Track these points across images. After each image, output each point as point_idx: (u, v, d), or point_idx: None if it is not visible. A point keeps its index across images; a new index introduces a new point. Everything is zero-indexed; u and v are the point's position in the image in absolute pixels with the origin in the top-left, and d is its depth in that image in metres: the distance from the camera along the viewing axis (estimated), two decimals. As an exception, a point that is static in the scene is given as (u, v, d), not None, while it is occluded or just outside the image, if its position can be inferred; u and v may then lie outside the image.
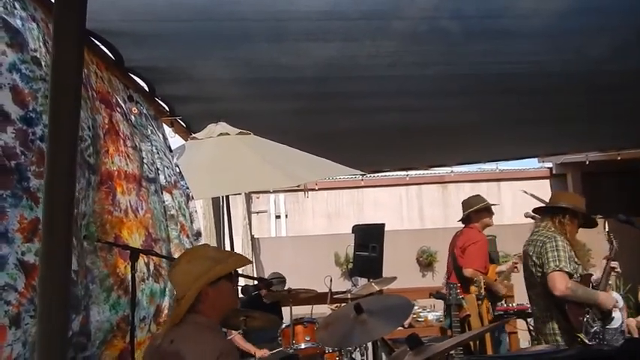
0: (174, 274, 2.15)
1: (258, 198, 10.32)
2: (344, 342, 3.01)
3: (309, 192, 9.26)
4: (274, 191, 10.07)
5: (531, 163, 10.99)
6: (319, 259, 8.70)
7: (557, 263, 3.12)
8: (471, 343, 3.74)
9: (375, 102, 4.33)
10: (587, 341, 3.05)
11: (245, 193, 8.68)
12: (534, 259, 3.28)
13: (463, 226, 4.96)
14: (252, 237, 9.01)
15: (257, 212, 10.34)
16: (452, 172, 10.37)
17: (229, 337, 3.80)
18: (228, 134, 4.05)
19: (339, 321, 2.69)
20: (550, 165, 10.69)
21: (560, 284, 3.07)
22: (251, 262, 2.88)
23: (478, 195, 5.11)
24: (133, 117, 2.95)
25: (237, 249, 8.02)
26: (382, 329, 2.66)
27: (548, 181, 10.72)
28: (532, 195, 4.07)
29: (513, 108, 4.66)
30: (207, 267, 2.07)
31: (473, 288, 4.42)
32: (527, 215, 4.18)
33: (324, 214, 10.54)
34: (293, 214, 10.56)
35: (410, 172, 10.09)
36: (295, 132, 4.93)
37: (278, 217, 10.39)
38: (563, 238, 3.23)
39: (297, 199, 10.45)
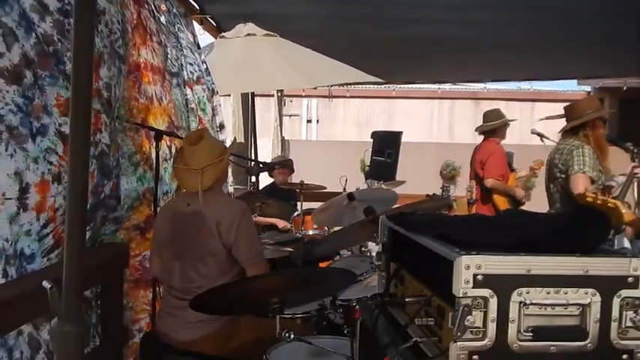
0: (201, 146, 2.39)
1: (291, 102, 10.60)
2: (335, 222, 3.45)
3: (336, 99, 9.44)
4: (306, 96, 10.31)
5: (569, 85, 10.78)
6: (345, 164, 9.04)
7: (582, 167, 3.32)
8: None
9: (409, 11, 4.36)
10: None
11: (278, 97, 8.95)
12: (560, 165, 3.50)
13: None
14: (283, 138, 9.39)
15: (289, 115, 10.65)
16: (485, 88, 10.31)
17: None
18: (255, 35, 4.30)
19: (334, 206, 3.10)
20: (588, 89, 10.47)
21: (581, 186, 3.27)
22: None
23: (498, 109, 5.32)
24: (161, 14, 3.22)
25: (267, 149, 8.45)
26: (368, 213, 3.05)
27: (584, 104, 10.55)
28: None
29: (555, 24, 4.59)
30: (220, 145, 2.51)
31: (496, 196, 4.79)
32: (533, 132, 4.34)
33: (354, 122, 10.77)
34: (324, 120, 10.83)
35: (442, 86, 10.10)
36: (323, 38, 5.08)
37: (309, 121, 10.69)
38: (589, 147, 3.41)
39: (329, 105, 10.67)
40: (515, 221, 1.18)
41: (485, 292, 0.98)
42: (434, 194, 3.74)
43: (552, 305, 0.99)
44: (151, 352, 2.52)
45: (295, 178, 5.71)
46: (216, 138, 2.58)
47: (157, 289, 2.81)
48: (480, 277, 0.98)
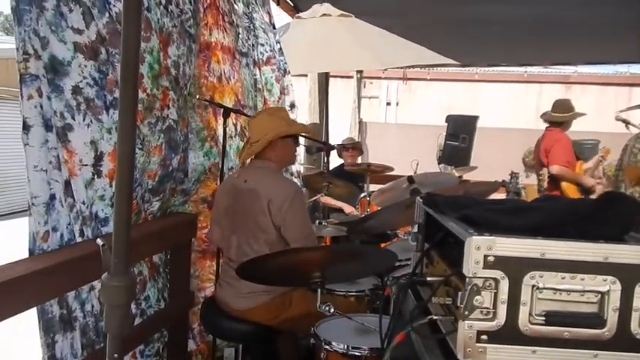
0: (256, 120, 2.59)
1: (371, 83, 10.54)
2: (394, 204, 3.42)
3: (416, 82, 9.26)
4: (386, 78, 10.20)
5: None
6: (423, 148, 8.91)
7: None
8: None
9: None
10: None
11: (357, 78, 8.94)
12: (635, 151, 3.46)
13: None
14: (361, 120, 9.39)
15: (369, 97, 10.61)
16: (576, 72, 9.71)
17: (315, 198, 4.38)
18: (330, 15, 4.34)
19: (394, 189, 3.09)
20: (698, 73, 9.59)
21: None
22: (311, 132, 3.41)
23: (568, 100, 5.20)
24: (235, -5, 3.32)
25: (344, 131, 8.50)
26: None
27: (691, 91, 9.69)
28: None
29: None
30: (281, 124, 2.56)
31: (565, 184, 4.63)
32: (618, 118, 4.10)
33: (435, 106, 10.53)
34: (404, 103, 10.68)
35: (529, 69, 9.62)
36: (400, 18, 5.01)
37: (389, 104, 10.59)
38: None
39: (410, 88, 10.50)
40: (542, 205, 1.15)
41: (497, 273, 0.97)
42: (503, 181, 3.62)
43: (567, 291, 0.97)
44: (211, 316, 2.68)
45: (372, 161, 5.71)
46: (278, 115, 2.65)
47: (220, 260, 2.97)
48: (490, 259, 0.97)
